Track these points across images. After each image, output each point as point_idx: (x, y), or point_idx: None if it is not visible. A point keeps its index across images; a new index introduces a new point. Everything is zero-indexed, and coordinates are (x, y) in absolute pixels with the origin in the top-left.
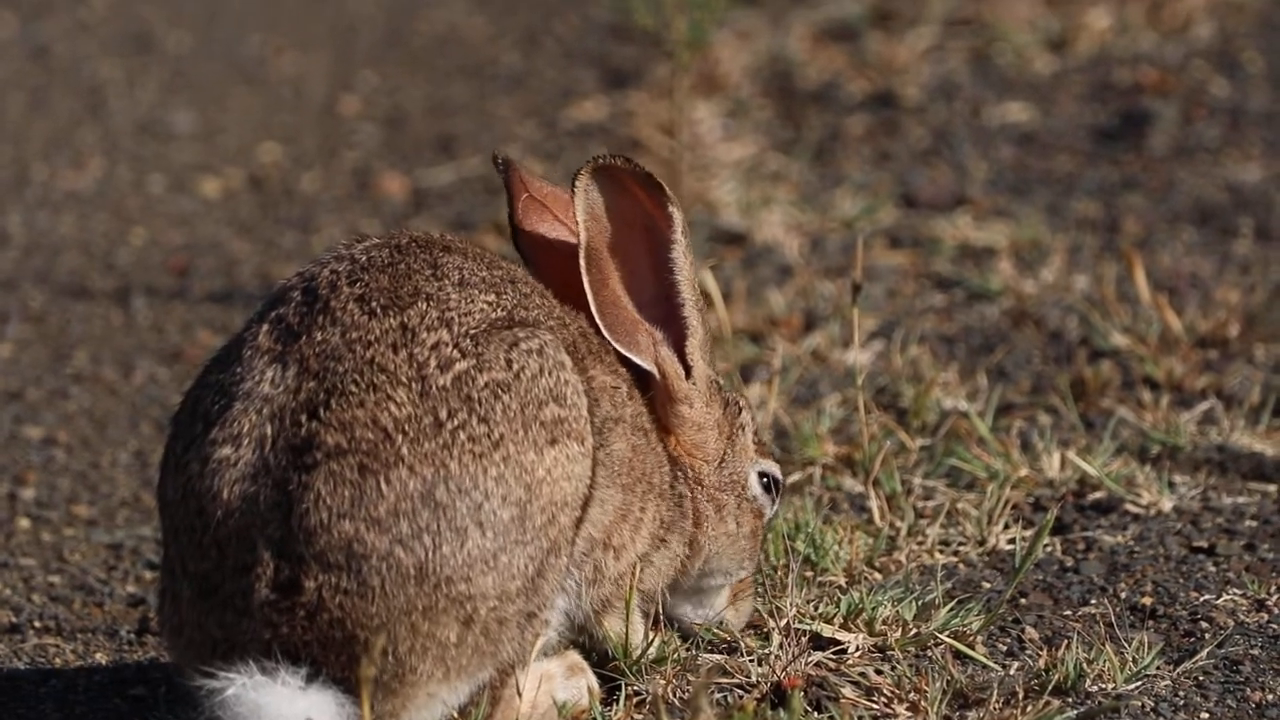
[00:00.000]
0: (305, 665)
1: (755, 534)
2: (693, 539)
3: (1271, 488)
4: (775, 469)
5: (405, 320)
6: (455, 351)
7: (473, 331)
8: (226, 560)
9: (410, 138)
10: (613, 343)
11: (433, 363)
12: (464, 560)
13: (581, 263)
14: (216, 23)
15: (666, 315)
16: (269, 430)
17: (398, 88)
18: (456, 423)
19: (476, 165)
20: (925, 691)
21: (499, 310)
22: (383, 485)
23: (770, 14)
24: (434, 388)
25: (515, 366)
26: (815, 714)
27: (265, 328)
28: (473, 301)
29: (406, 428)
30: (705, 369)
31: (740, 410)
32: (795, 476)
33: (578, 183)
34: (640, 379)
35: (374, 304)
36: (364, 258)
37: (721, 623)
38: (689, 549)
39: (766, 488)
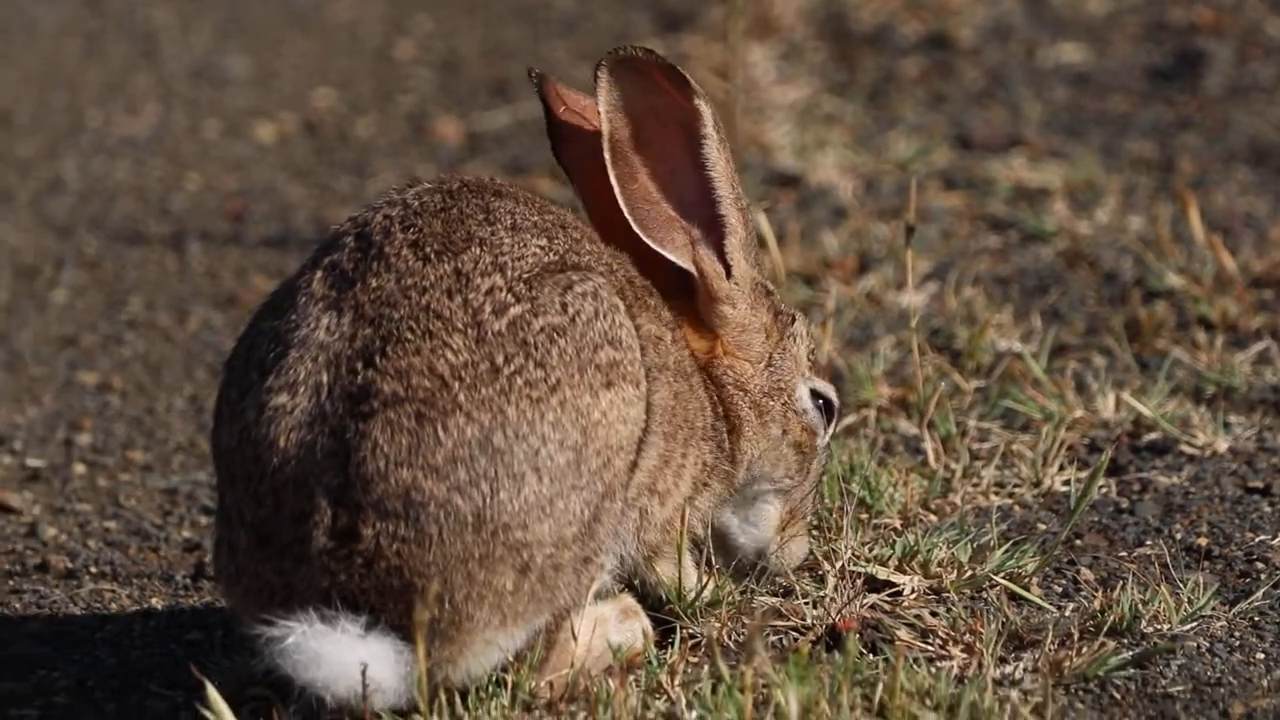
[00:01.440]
0: (364, 613)
1: (803, 449)
2: (733, 447)
3: None
4: (830, 390)
5: (459, 266)
6: (510, 296)
7: (526, 276)
8: (284, 508)
9: (465, 82)
10: (646, 239)
11: (488, 308)
12: (520, 507)
13: (606, 156)
14: None
15: (705, 215)
16: (325, 378)
17: (452, 31)
18: (513, 368)
19: (531, 109)
20: (980, 633)
21: (551, 254)
22: (440, 432)
23: None
24: (489, 333)
25: (571, 310)
26: (870, 656)
27: (319, 274)
28: (525, 246)
29: (463, 374)
30: (748, 269)
31: (794, 320)
32: (850, 419)
33: (600, 75)
34: (680, 293)
35: (428, 249)
36: (416, 203)
37: (766, 568)
38: (730, 460)
39: (821, 408)
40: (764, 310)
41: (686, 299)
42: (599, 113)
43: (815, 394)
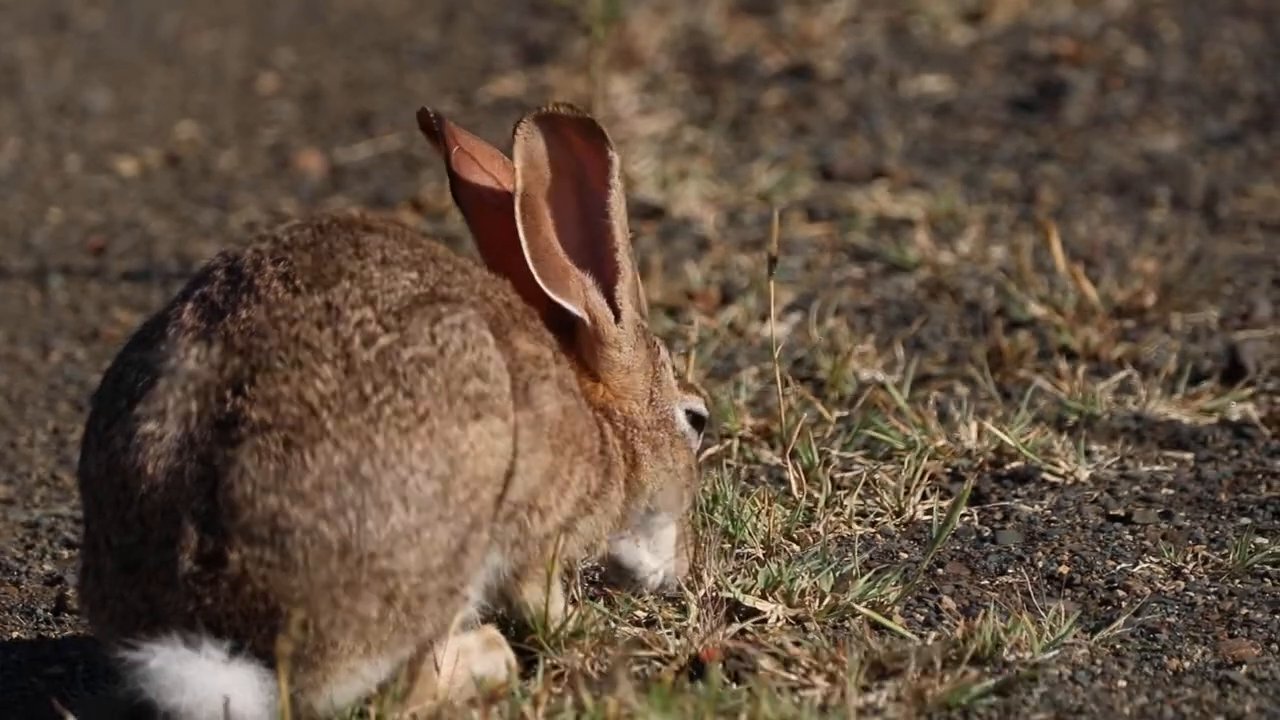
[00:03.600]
0: (229, 638)
1: (690, 470)
2: (630, 481)
3: (1187, 456)
4: (699, 404)
5: (329, 298)
6: (379, 328)
7: (396, 308)
8: (151, 534)
9: (328, 115)
10: (545, 289)
11: (357, 339)
12: (387, 535)
13: (516, 210)
14: (132, 1)
15: (596, 260)
16: (194, 406)
17: (315, 65)
18: (381, 397)
19: (394, 142)
20: (843, 662)
21: (421, 287)
22: (307, 459)
23: None
24: (359, 363)
25: (439, 341)
26: (734, 685)
27: (189, 306)
28: (395, 279)
29: (331, 403)
30: (633, 312)
31: (659, 349)
32: (713, 449)
33: (519, 131)
34: (565, 333)
35: (298, 282)
36: (287, 238)
37: (662, 585)
38: (628, 492)
39: (694, 423)
40: (643, 348)
41: (569, 344)
42: (515, 168)
43: (688, 411)
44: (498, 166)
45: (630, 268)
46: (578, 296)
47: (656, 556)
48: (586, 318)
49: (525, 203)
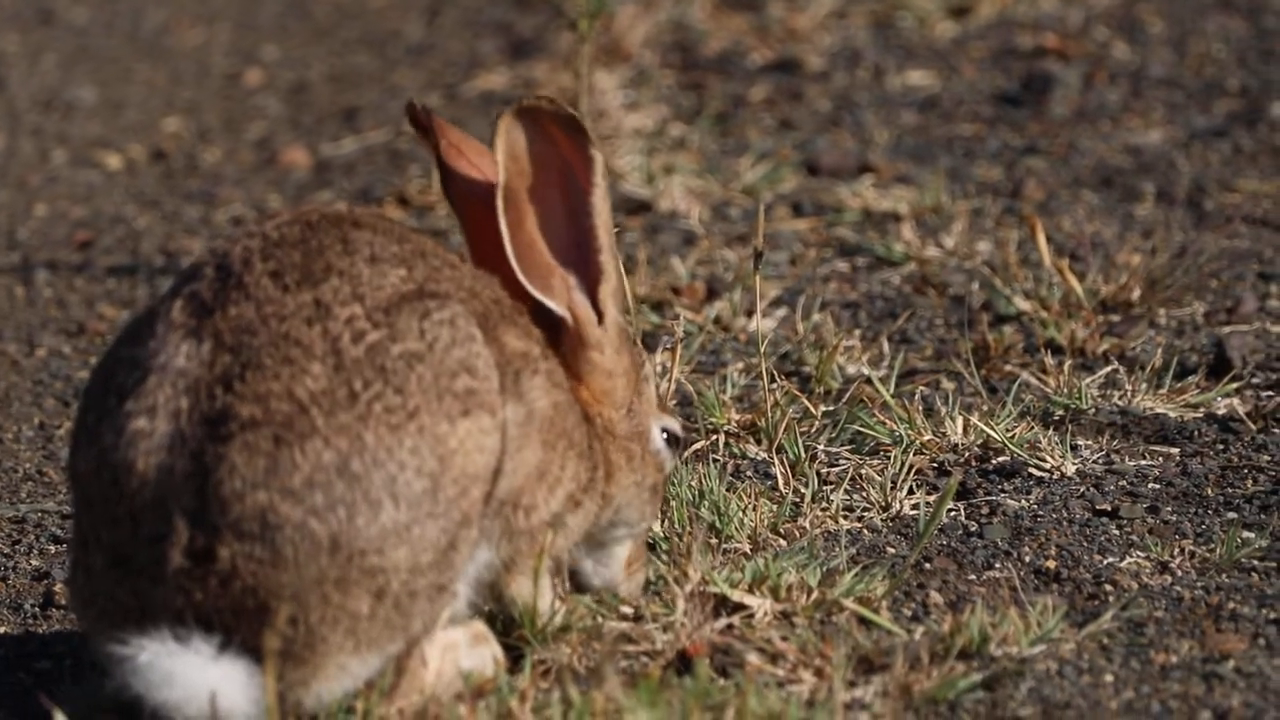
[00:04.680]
0: (218, 634)
1: (657, 489)
2: (604, 488)
3: (1174, 450)
4: (676, 425)
5: (319, 295)
6: (368, 324)
7: (385, 304)
8: (141, 530)
9: (313, 110)
10: (528, 286)
11: (346, 336)
12: (377, 532)
13: (499, 204)
14: None
15: (580, 260)
16: (184, 403)
17: (300, 60)
18: (371, 394)
19: (379, 136)
20: (830, 657)
21: (410, 283)
22: (297, 456)
23: None
24: (348, 360)
25: (428, 337)
26: (721, 680)
27: (179, 303)
28: (384, 276)
29: (321, 400)
30: (617, 316)
31: (644, 362)
32: (699, 444)
33: (500, 123)
34: (550, 332)
35: (287, 279)
36: (276, 234)
37: (615, 595)
38: (600, 500)
39: (668, 442)
40: (626, 355)
41: (553, 345)
42: (496, 160)
43: (663, 429)
44: (486, 162)
45: (615, 270)
46: (561, 295)
47: (598, 575)
48: (569, 317)
49: (508, 197)
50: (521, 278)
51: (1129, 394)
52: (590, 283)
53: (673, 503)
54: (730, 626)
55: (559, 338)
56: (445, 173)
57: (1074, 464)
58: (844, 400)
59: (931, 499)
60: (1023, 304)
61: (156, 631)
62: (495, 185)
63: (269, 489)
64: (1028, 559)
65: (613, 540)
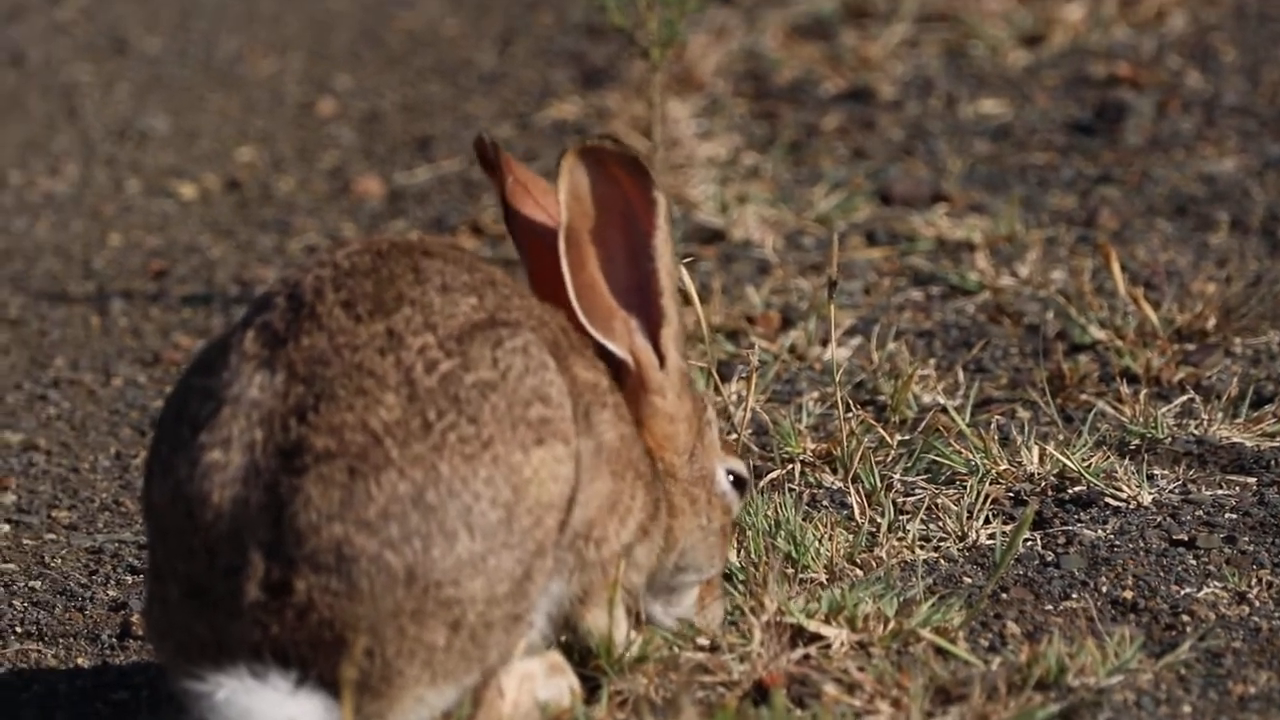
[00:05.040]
0: (295, 668)
1: (724, 531)
2: (668, 532)
3: (1250, 480)
4: (742, 467)
5: (391, 325)
6: (440, 353)
7: (457, 333)
8: (217, 562)
9: (387, 138)
10: (589, 329)
11: (419, 366)
12: (453, 564)
13: (561, 245)
14: (191, 25)
15: (642, 303)
16: (258, 435)
17: (374, 89)
18: (445, 424)
19: (453, 165)
20: (907, 688)
21: (481, 312)
22: (372, 488)
23: (744, 11)
24: (422, 390)
25: (501, 365)
26: (798, 711)
27: (251, 333)
28: (456, 305)
29: (395, 431)
30: (679, 360)
31: (706, 406)
32: (775, 473)
33: (564, 163)
34: (614, 371)
35: (359, 309)
36: (347, 264)
37: (692, 625)
38: (665, 542)
39: (734, 485)
40: (688, 399)
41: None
42: (558, 200)
43: (729, 472)
44: (551, 201)
45: (676, 315)
46: (622, 338)
47: (669, 615)
48: (631, 361)
49: (570, 238)
50: (583, 319)
51: (1205, 423)
52: (652, 326)
53: (749, 533)
54: (807, 657)
55: (621, 381)
56: (509, 211)
57: (1150, 494)
58: (919, 429)
59: (1008, 529)
60: (1098, 333)
61: (233, 666)
62: (558, 226)
63: (344, 521)
64: (1104, 589)
65: (682, 586)
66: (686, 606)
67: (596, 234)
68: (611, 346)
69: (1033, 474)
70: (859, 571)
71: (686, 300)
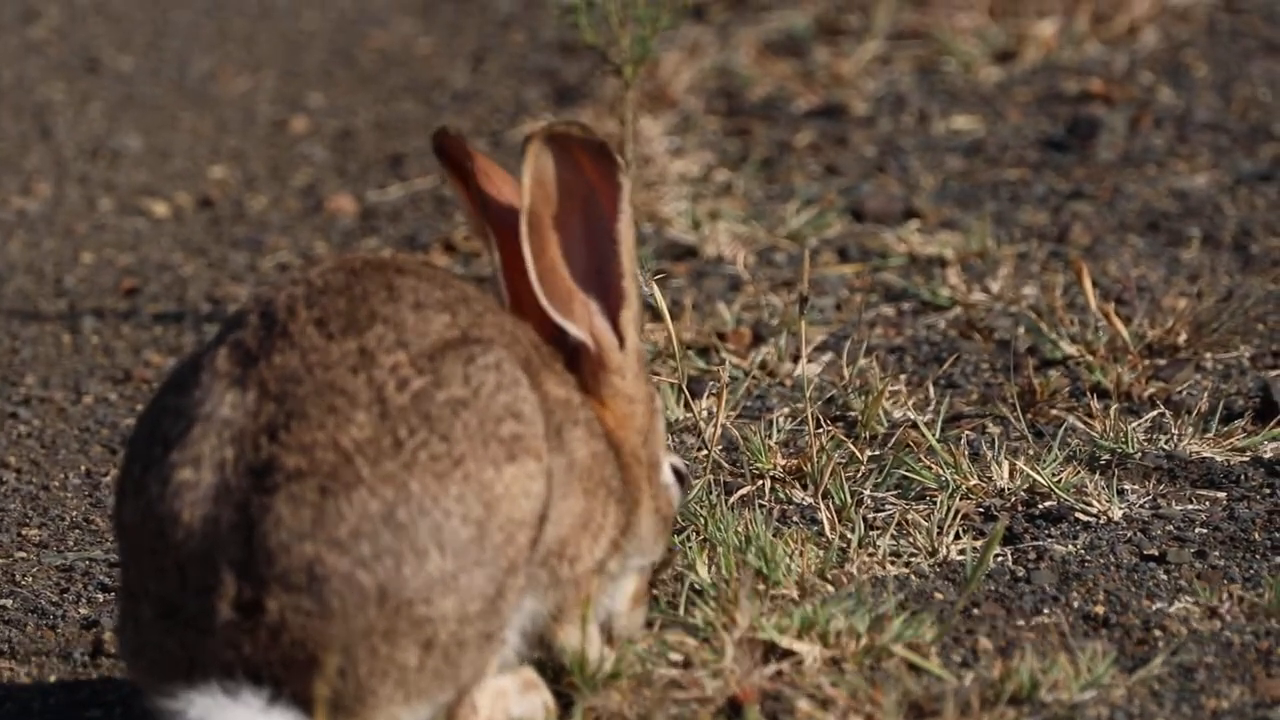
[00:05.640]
0: (267, 686)
1: (668, 521)
2: (630, 518)
3: (1221, 495)
4: (681, 464)
5: (363, 343)
6: (412, 371)
7: (429, 351)
8: (189, 582)
9: (359, 157)
10: (549, 310)
11: (391, 384)
12: (424, 582)
13: (523, 229)
14: (163, 44)
15: (602, 286)
16: (229, 453)
17: (346, 107)
18: (417, 441)
19: (425, 183)
20: (880, 703)
21: (454, 330)
22: (343, 507)
23: (716, 28)
24: (393, 408)
25: (473, 383)
26: None
27: (223, 351)
28: (429, 323)
29: (366, 449)
30: (637, 342)
31: (656, 394)
32: (745, 489)
33: (529, 148)
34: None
35: (331, 327)
36: (320, 281)
37: (611, 635)
38: (627, 525)
39: (678, 479)
40: (644, 382)
41: (573, 371)
42: (522, 185)
43: (672, 466)
44: (512, 190)
45: (635, 297)
46: (583, 320)
47: (604, 599)
48: (591, 342)
49: (532, 222)
50: (544, 302)
51: (1175, 438)
52: (612, 308)
53: (719, 549)
54: (780, 673)
55: (578, 364)
56: (482, 198)
57: (1121, 509)
58: (890, 445)
59: (978, 544)
60: (1069, 348)
61: (206, 685)
62: (519, 211)
63: (315, 540)
64: (1076, 604)
65: (624, 571)
66: (621, 598)
67: (559, 219)
68: (571, 328)
69: (1003, 489)
70: (830, 587)
71: (657, 317)
